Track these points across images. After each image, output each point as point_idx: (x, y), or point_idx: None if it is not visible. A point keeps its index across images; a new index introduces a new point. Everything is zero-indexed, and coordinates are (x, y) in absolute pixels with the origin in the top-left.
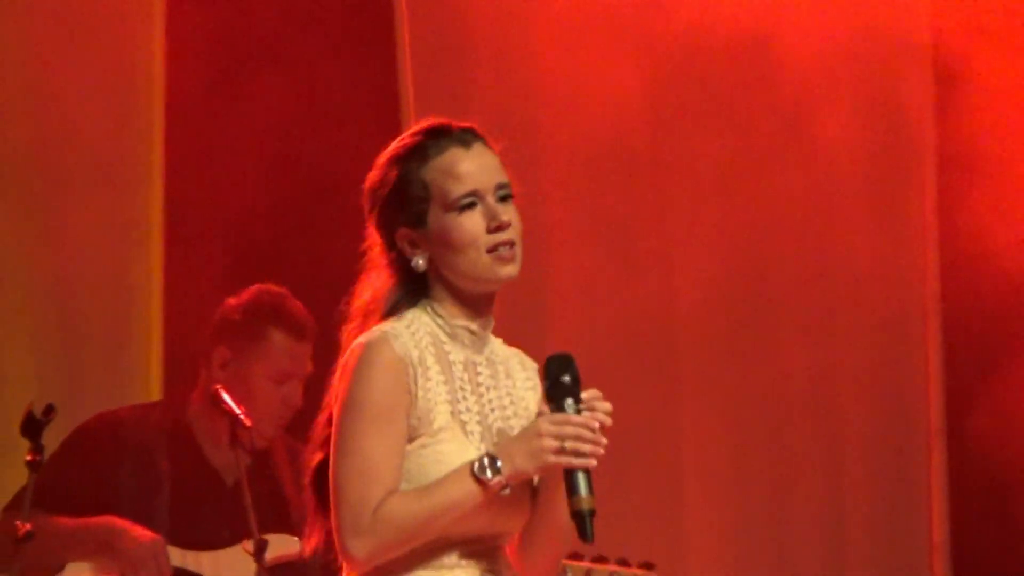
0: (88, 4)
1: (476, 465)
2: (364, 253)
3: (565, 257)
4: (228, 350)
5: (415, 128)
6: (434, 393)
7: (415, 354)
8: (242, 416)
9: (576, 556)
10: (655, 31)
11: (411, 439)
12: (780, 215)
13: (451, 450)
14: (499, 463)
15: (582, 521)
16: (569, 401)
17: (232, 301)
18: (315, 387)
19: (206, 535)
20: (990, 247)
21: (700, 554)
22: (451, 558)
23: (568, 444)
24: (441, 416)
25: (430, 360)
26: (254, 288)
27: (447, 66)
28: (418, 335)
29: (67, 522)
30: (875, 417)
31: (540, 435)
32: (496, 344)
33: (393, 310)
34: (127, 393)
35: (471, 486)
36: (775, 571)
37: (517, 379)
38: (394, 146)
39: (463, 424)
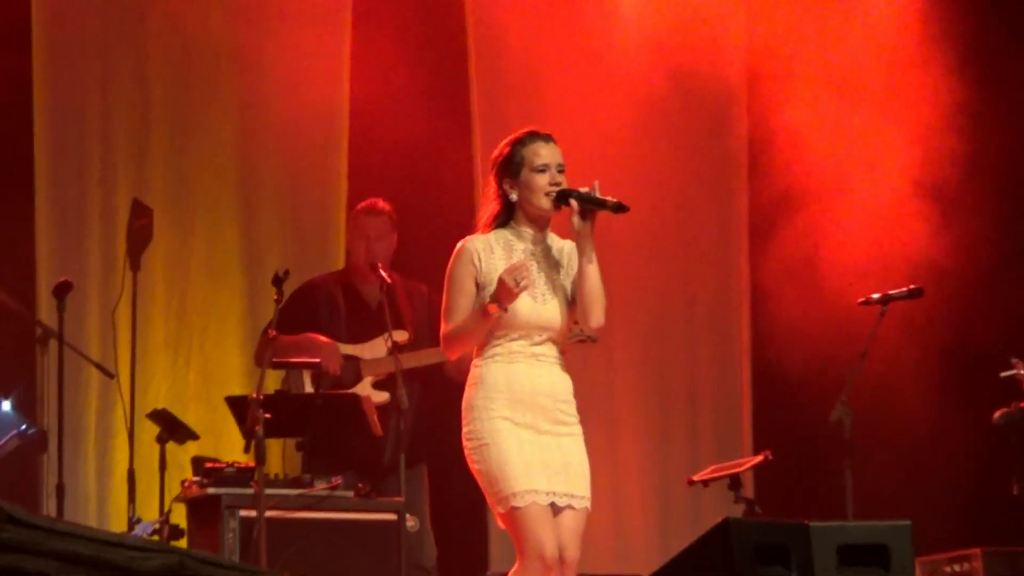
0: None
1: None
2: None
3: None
4: (351, 228)
5: (522, 130)
6: (494, 265)
7: (481, 246)
8: (384, 275)
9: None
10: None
11: (483, 288)
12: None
13: None
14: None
15: (617, 204)
16: (575, 194)
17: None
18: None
19: (362, 333)
20: (793, 259)
21: (625, 402)
22: (517, 343)
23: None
24: (497, 276)
25: (497, 249)
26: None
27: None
28: (491, 238)
29: (290, 337)
30: (713, 338)
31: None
32: (555, 240)
33: (493, 226)
34: (321, 261)
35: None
36: (660, 418)
37: (565, 253)
38: (509, 138)
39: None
